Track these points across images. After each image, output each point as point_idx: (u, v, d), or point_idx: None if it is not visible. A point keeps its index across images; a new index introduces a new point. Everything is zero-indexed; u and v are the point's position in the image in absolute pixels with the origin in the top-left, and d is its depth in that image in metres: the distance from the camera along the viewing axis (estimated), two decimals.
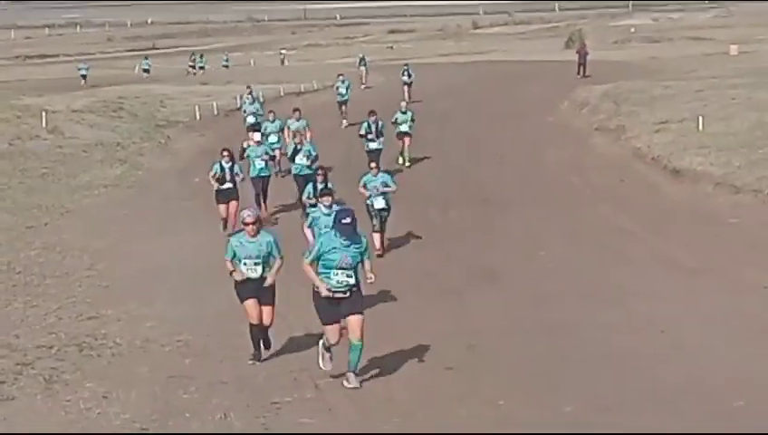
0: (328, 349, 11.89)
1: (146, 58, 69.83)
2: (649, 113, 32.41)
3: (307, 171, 22.00)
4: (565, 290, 15.90)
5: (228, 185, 21.08)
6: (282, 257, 12.78)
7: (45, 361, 12.87)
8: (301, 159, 22.71)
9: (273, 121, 27.77)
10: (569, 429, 9.92)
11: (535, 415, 10.39)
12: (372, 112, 27.45)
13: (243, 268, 12.71)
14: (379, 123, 27.00)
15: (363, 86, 50.18)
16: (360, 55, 57.32)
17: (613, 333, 13.24)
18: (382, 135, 26.99)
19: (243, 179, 21.66)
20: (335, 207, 14.89)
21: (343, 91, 38.36)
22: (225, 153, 21.40)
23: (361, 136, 27.06)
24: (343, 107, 38.00)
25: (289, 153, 23.55)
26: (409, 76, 44.56)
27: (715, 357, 12.21)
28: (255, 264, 12.75)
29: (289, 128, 27.58)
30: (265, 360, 12.83)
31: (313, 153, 22.78)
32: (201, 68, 67.67)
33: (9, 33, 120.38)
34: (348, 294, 11.62)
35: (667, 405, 10.54)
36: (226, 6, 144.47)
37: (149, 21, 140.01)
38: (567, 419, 10.23)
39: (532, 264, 17.69)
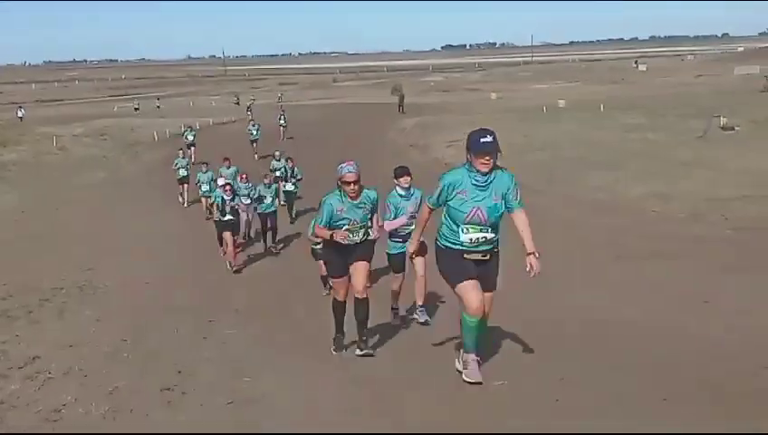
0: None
1: (137, 104, 66.09)
2: (443, 135, 33.10)
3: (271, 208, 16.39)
4: None
5: (229, 217, 15.19)
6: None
7: (58, 297, 12.67)
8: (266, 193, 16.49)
9: (205, 172, 20.71)
10: None
11: None
12: (285, 155, 20.87)
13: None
14: (296, 169, 19.98)
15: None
16: (248, 103, 51.48)
17: None
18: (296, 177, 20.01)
19: (253, 210, 16.25)
20: (414, 190, 9.15)
21: (254, 132, 32.61)
22: (228, 187, 15.39)
23: (277, 178, 19.62)
24: (255, 144, 32.27)
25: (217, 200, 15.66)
26: (284, 120, 37.98)
27: None
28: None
29: (221, 175, 20.28)
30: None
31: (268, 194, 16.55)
32: (157, 107, 65.81)
33: (30, 86, 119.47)
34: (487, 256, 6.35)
35: None
36: (175, 68, 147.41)
37: (123, 77, 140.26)
38: None
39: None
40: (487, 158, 6.13)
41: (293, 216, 19.55)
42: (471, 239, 6.21)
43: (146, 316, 11.11)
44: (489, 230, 6.27)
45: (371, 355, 7.66)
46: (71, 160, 33.04)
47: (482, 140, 6.13)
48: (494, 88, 72.97)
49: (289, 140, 37.20)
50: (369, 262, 7.57)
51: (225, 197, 15.27)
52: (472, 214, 6.17)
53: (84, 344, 9.63)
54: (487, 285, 6.33)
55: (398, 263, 9.05)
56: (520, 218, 6.18)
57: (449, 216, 6.29)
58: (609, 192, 19.58)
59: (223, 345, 9.22)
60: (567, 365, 6.94)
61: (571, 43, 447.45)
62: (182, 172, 23.23)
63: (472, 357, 6.47)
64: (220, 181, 18.18)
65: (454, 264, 6.28)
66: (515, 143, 28.85)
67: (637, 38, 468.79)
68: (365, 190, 7.58)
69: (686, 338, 7.95)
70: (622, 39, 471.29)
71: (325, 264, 8.29)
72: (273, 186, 17.02)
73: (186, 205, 22.87)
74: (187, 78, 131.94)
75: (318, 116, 50.61)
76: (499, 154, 6.22)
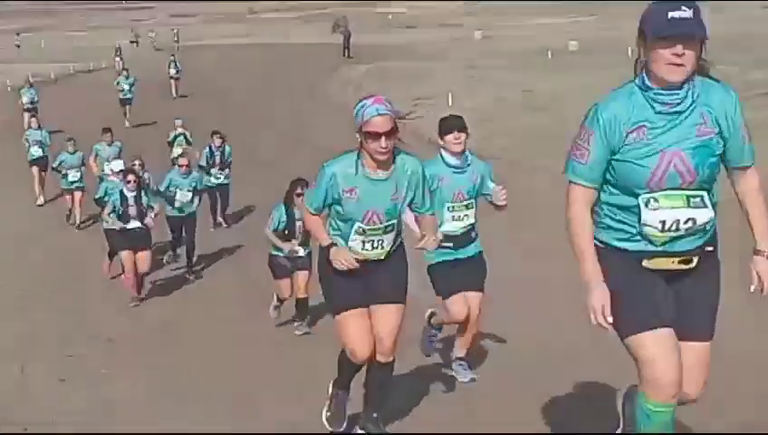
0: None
1: None
2: (406, 91, 33.21)
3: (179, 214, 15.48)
4: None
5: (135, 224, 13.61)
6: None
7: None
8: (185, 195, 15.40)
9: (73, 153, 19.21)
10: None
11: None
12: (216, 133, 19.12)
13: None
14: (226, 148, 18.95)
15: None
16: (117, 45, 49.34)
17: None
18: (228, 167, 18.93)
19: (156, 215, 14.14)
20: (470, 156, 7.63)
21: (126, 87, 31.78)
22: (131, 176, 13.80)
23: (201, 168, 18.06)
24: (126, 106, 31.68)
25: (100, 193, 15.18)
26: (177, 69, 37.88)
27: None
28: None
29: (97, 156, 18.97)
30: None
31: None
32: (17, 45, 65.21)
33: None
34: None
35: None
36: None
37: None
38: None
39: None
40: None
41: (221, 220, 18.98)
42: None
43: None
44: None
45: None
46: None
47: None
48: (480, 23, 73.37)
49: (183, 98, 37.01)
50: (404, 301, 6.18)
51: (127, 192, 13.53)
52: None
53: None
54: None
55: (444, 280, 7.64)
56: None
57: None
58: None
59: (90, 390, 9.15)
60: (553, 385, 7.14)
61: None
62: (35, 151, 21.75)
63: None
64: (115, 166, 15.68)
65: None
66: (507, 100, 29.17)
67: None
68: (402, 155, 6.04)
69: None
70: None
71: (321, 283, 6.30)
72: (194, 175, 15.95)
73: (40, 201, 22.09)
74: (42, 6, 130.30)
75: (228, 63, 50.46)
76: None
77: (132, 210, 13.49)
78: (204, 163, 18.54)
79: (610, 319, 4.44)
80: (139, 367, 10.06)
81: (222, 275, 15.34)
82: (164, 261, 15.70)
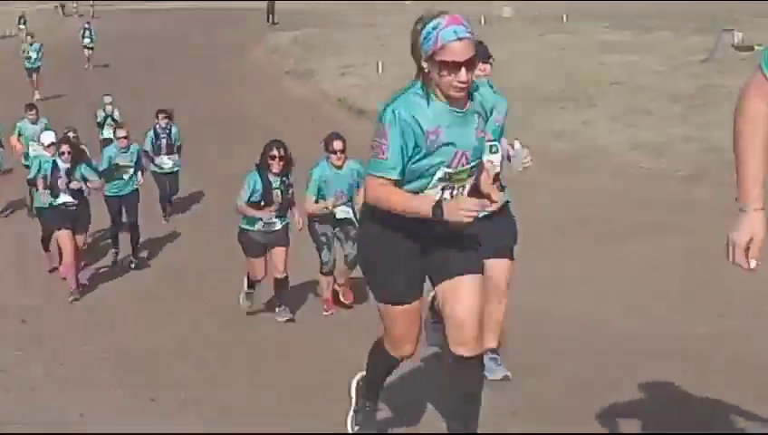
0: None
1: None
2: (335, 58, 33.10)
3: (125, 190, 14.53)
4: None
5: (68, 198, 12.68)
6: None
7: None
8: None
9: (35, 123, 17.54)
10: None
11: None
12: (162, 112, 17.24)
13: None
14: (173, 129, 17.24)
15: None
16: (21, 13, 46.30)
17: None
18: (178, 151, 17.33)
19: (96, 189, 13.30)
20: None
21: (33, 55, 30.42)
22: (65, 146, 12.83)
23: (146, 154, 16.37)
24: (33, 75, 30.35)
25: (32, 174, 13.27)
26: (91, 39, 36.30)
27: None
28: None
29: (21, 135, 17.55)
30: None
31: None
32: None
33: None
34: None
35: None
36: None
37: None
38: None
39: None
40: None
41: (167, 212, 17.46)
42: None
43: None
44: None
45: None
46: None
47: None
48: None
49: (99, 69, 36.38)
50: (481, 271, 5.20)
51: (61, 163, 12.64)
52: None
53: None
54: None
55: None
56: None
57: None
58: (576, 140, 19.99)
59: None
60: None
61: None
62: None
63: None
64: (46, 138, 13.70)
65: None
66: None
67: None
68: (482, 85, 5.48)
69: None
70: None
71: (368, 272, 5.23)
72: (134, 148, 14.75)
73: None
74: None
75: (144, 30, 49.68)
76: None
77: (65, 183, 12.52)
78: (149, 148, 16.78)
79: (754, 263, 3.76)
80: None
81: (169, 266, 14.54)
82: (110, 254, 14.71)
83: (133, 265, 14.36)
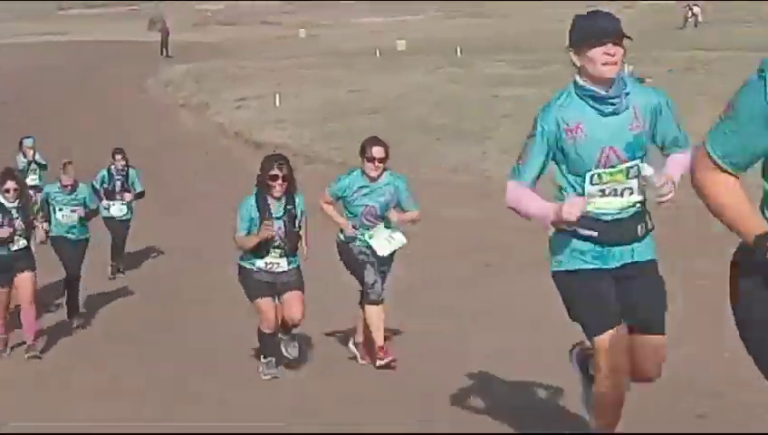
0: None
1: None
2: (229, 91, 33.19)
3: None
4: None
5: (21, 243, 10.79)
6: None
7: None
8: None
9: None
10: None
11: None
12: (119, 152, 15.42)
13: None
14: (130, 172, 15.55)
15: None
16: None
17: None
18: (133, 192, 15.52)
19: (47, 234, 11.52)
20: None
21: None
22: (10, 182, 10.76)
23: (96, 192, 14.45)
24: None
25: None
26: None
27: None
28: None
29: None
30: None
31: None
32: None
33: None
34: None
35: None
36: None
37: None
38: None
39: None
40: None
41: (119, 267, 15.52)
42: None
43: None
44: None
45: None
46: None
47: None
48: (303, 20, 73.45)
49: None
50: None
51: (7, 203, 10.75)
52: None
53: None
54: None
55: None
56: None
57: None
58: (471, 172, 20.34)
59: None
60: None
61: None
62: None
63: None
64: None
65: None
66: (337, 101, 29.38)
67: None
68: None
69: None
70: None
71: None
72: (82, 189, 13.03)
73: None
74: None
75: (35, 63, 49.03)
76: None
77: (16, 224, 10.76)
78: (98, 187, 15.04)
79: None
80: None
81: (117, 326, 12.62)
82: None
83: (75, 324, 12.45)
